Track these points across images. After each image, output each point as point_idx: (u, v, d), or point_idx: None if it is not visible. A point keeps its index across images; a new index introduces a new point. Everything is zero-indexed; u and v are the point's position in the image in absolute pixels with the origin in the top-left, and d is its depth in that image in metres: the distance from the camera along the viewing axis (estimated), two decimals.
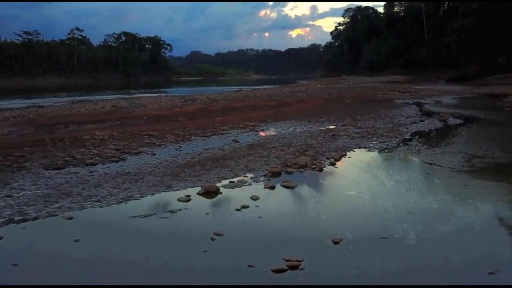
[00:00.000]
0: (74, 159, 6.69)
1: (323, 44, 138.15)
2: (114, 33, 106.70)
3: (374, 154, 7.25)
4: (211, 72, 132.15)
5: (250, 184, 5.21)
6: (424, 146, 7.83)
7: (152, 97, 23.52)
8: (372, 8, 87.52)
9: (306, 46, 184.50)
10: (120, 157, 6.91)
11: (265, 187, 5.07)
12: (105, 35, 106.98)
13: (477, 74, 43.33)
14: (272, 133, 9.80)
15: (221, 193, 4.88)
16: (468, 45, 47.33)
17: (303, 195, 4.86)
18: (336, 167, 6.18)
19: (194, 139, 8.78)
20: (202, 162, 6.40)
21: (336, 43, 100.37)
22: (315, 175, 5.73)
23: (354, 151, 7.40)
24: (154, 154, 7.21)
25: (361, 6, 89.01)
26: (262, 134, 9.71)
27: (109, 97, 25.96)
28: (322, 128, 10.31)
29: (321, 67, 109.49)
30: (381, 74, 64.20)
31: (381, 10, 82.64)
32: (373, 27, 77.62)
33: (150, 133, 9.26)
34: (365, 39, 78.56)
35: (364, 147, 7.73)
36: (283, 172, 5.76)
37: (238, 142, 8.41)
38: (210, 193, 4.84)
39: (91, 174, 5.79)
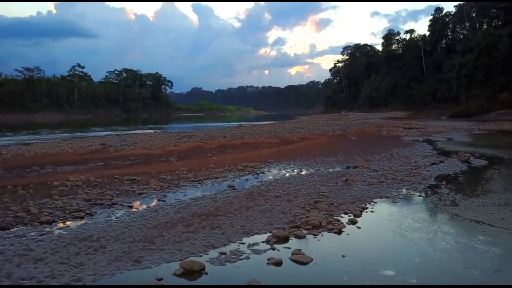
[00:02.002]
0: (28, 214, 5.35)
1: (322, 81, 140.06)
2: (115, 69, 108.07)
3: (401, 206, 5.90)
4: (212, 108, 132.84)
5: (247, 258, 3.82)
6: (459, 196, 6.49)
7: (147, 134, 22.41)
8: (370, 46, 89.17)
9: (305, 83, 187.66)
10: (87, 211, 5.56)
11: (268, 263, 3.68)
12: (107, 72, 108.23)
13: (479, 110, 42.72)
14: (275, 176, 8.49)
15: (206, 273, 3.49)
16: (469, 81, 47.18)
17: (321, 277, 3.46)
18: (359, 227, 4.81)
19: (183, 185, 7.45)
20: (187, 219, 5.04)
21: (335, 80, 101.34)
22: (334, 241, 4.36)
23: (375, 202, 6.06)
24: (131, 207, 5.87)
25: (359, 44, 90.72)
26: (263, 177, 8.40)
27: (103, 133, 24.89)
28: (331, 171, 9.02)
29: (320, 103, 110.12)
30: (382, 110, 63.87)
31: (379, 47, 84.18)
32: (372, 64, 78.46)
33: (133, 177, 7.94)
34: (364, 76, 79.22)
35: (386, 197, 6.39)
36: (291, 236, 4.39)
37: (235, 188, 7.09)
38: (191, 273, 3.46)
39: (40, 238, 4.43)
